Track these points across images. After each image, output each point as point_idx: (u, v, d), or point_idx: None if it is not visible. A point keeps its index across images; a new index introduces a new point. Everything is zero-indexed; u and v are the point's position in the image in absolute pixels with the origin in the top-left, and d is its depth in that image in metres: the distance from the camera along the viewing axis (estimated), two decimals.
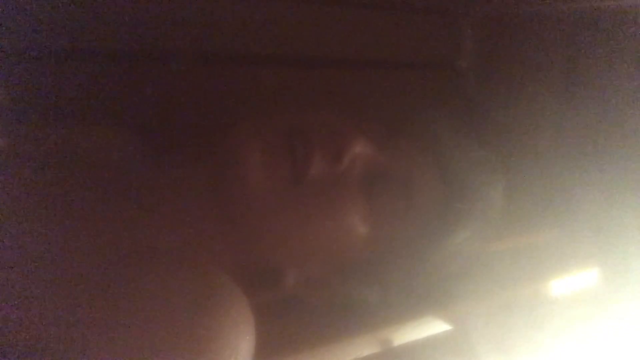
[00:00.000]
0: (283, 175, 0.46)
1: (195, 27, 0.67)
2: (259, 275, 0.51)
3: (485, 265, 0.62)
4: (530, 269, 0.68)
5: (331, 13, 0.78)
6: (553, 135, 0.78)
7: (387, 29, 0.83)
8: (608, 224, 0.71)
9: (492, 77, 0.89)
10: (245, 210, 0.47)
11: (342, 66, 0.81)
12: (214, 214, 0.48)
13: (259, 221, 0.47)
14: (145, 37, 0.65)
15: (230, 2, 0.70)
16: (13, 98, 0.57)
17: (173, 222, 0.47)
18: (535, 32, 0.83)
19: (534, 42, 0.83)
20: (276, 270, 0.51)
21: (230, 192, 0.47)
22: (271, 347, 0.47)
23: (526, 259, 0.69)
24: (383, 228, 0.50)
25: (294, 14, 0.75)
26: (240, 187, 0.46)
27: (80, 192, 0.46)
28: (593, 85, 0.76)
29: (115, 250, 0.42)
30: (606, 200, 0.71)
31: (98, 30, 0.62)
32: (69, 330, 0.36)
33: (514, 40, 0.86)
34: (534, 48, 0.83)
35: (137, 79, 0.66)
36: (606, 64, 0.74)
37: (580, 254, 0.72)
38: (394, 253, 0.52)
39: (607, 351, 0.63)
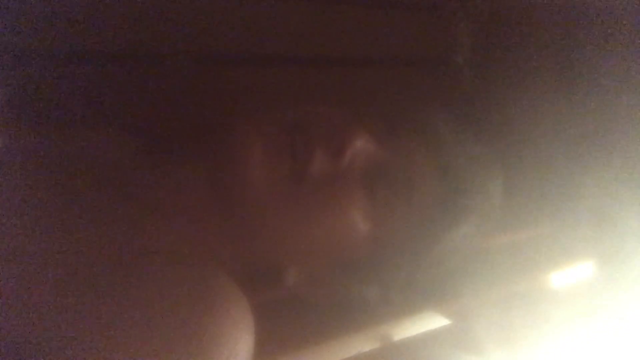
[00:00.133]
0: (284, 172, 0.46)
1: (196, 27, 0.67)
2: (259, 273, 0.51)
3: (484, 260, 0.62)
4: (529, 263, 0.68)
5: (329, 12, 0.78)
6: (551, 130, 0.78)
7: (385, 27, 0.83)
8: (607, 218, 0.71)
9: (490, 73, 0.89)
10: (246, 207, 0.47)
11: (341, 64, 0.81)
12: (215, 213, 0.48)
13: (259, 219, 0.47)
14: (146, 37, 0.65)
15: (230, 2, 0.70)
16: (13, 98, 0.57)
17: (173, 222, 0.47)
18: (532, 28, 0.83)
19: (531, 38, 0.83)
20: (277, 268, 0.51)
21: (231, 190, 0.47)
22: (271, 345, 0.47)
23: (525, 253, 0.69)
24: (383, 224, 0.50)
25: (293, 13, 0.75)
26: (241, 184, 0.47)
27: (80, 192, 0.46)
28: (590, 79, 0.76)
29: (114, 250, 0.42)
30: (605, 195, 0.71)
31: (98, 30, 0.62)
32: (68, 330, 0.36)
33: (511, 37, 0.86)
34: (531, 44, 0.83)
35: (137, 79, 0.66)
36: (603, 59, 0.74)
37: (579, 248, 0.72)
38: (394, 249, 0.52)
39: (606, 344, 0.63)
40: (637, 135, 0.70)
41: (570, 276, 0.71)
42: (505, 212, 0.60)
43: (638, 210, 0.68)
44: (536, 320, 0.62)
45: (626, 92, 0.71)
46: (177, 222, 0.47)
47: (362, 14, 0.81)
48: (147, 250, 0.43)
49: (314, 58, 0.78)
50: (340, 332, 0.55)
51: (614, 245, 0.70)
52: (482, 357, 0.59)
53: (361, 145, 0.49)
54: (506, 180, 0.56)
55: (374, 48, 0.83)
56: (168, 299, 0.39)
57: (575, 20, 0.78)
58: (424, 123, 0.55)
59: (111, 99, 0.63)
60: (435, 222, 0.52)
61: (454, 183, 0.52)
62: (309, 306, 0.54)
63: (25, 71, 0.59)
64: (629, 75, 0.71)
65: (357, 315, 0.55)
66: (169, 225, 0.47)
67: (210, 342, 0.38)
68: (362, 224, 0.49)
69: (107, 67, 0.64)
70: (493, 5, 0.88)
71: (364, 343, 0.56)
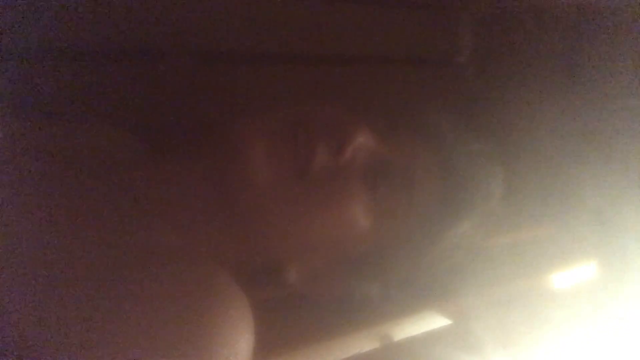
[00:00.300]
0: (285, 169, 0.46)
1: (198, 25, 0.67)
2: (260, 271, 0.51)
3: (485, 260, 0.62)
4: (530, 263, 0.68)
5: (332, 10, 0.78)
6: (553, 130, 0.77)
7: (388, 26, 0.83)
8: (607, 219, 0.71)
9: (492, 73, 0.89)
10: (248, 205, 0.47)
11: (343, 63, 0.81)
12: (216, 211, 0.48)
13: (261, 216, 0.47)
14: (148, 35, 0.65)
15: (235, 3, 0.70)
16: (13, 97, 0.57)
17: (174, 221, 0.47)
18: (534, 28, 0.83)
19: (533, 37, 0.83)
20: (278, 265, 0.51)
21: (233, 188, 0.47)
22: (272, 343, 0.47)
23: (526, 253, 0.69)
24: (385, 221, 0.50)
25: (296, 12, 0.75)
26: (242, 182, 0.47)
27: (81, 190, 0.46)
28: (592, 79, 0.76)
29: (114, 249, 0.42)
30: (606, 195, 0.71)
31: (98, 29, 0.62)
32: (68, 329, 0.36)
33: (513, 36, 0.86)
34: (533, 44, 0.83)
35: (139, 77, 0.66)
36: (606, 59, 0.74)
37: (580, 249, 0.72)
38: (395, 246, 0.52)
39: (606, 345, 0.63)
40: (637, 136, 0.70)
41: (570, 277, 0.71)
42: (506, 213, 0.60)
43: (638, 211, 0.68)
44: (536, 320, 0.62)
45: (627, 93, 0.71)
46: (178, 221, 0.47)
47: (365, 13, 0.81)
48: (147, 249, 0.43)
49: (316, 56, 0.78)
50: (340, 332, 0.55)
51: (615, 245, 0.70)
52: (483, 358, 0.59)
53: (362, 143, 0.49)
54: (507, 180, 0.56)
55: (377, 47, 0.83)
56: (168, 298, 0.39)
57: (578, 21, 0.78)
58: (426, 121, 0.56)
59: (112, 98, 0.63)
60: (436, 219, 0.52)
61: (455, 180, 0.52)
62: (309, 305, 0.54)
63: (25, 70, 0.59)
64: (630, 76, 0.71)
65: (357, 315, 0.55)
66: (170, 223, 0.47)
67: (210, 342, 0.38)
68: (363, 221, 0.49)
69: (108, 66, 0.64)
70: (496, 5, 0.88)
71: (364, 343, 0.56)
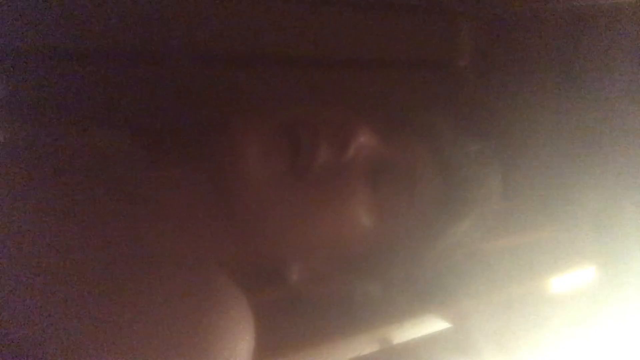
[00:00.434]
0: (286, 169, 0.47)
1: (198, 27, 0.68)
2: (261, 271, 0.51)
3: (485, 263, 0.62)
4: (530, 267, 0.68)
5: (333, 14, 0.78)
6: (552, 134, 0.78)
7: (389, 29, 0.84)
8: (607, 222, 0.71)
9: (491, 74, 0.89)
10: (248, 205, 0.47)
11: (345, 65, 0.81)
12: (217, 212, 0.48)
13: (261, 217, 0.47)
14: (147, 36, 0.65)
15: (236, 4, 0.70)
16: (13, 97, 0.57)
17: (174, 221, 0.47)
18: (533, 31, 0.84)
19: (532, 40, 0.83)
20: (279, 265, 0.51)
21: (233, 188, 0.47)
22: (272, 345, 0.47)
23: (526, 257, 0.69)
24: (386, 221, 0.51)
25: (297, 15, 0.75)
26: (242, 182, 0.47)
27: (80, 192, 0.46)
28: (591, 83, 0.76)
29: (114, 251, 0.42)
30: (606, 198, 0.71)
31: (98, 31, 0.62)
32: (67, 330, 0.36)
33: (512, 39, 0.86)
34: (533, 47, 0.83)
35: (138, 79, 0.66)
36: (605, 63, 0.74)
37: (579, 252, 0.72)
38: (395, 247, 0.52)
39: (606, 348, 0.63)
40: (637, 139, 0.70)
41: (570, 280, 0.71)
42: (505, 215, 0.60)
43: (638, 214, 0.68)
44: (536, 323, 0.62)
45: (627, 96, 0.71)
46: (178, 222, 0.47)
47: (366, 17, 0.81)
48: (148, 251, 0.43)
49: (318, 59, 0.78)
50: (339, 335, 0.54)
51: (614, 248, 0.70)
52: None
53: (363, 143, 0.49)
54: (506, 182, 0.57)
55: (377, 50, 0.83)
56: (168, 299, 0.39)
57: (577, 25, 0.78)
58: (426, 123, 0.56)
59: (111, 100, 0.63)
60: (436, 219, 0.52)
61: (455, 181, 0.52)
62: (309, 307, 0.54)
63: (25, 71, 0.59)
64: (630, 79, 0.71)
65: (356, 317, 0.55)
66: (169, 224, 0.47)
67: (211, 343, 0.38)
68: (364, 220, 0.49)
69: (107, 68, 0.64)
70: (496, 9, 0.88)
71: (363, 345, 0.56)
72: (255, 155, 0.46)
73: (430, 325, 0.60)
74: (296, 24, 0.75)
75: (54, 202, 0.43)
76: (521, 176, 0.68)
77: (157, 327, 0.37)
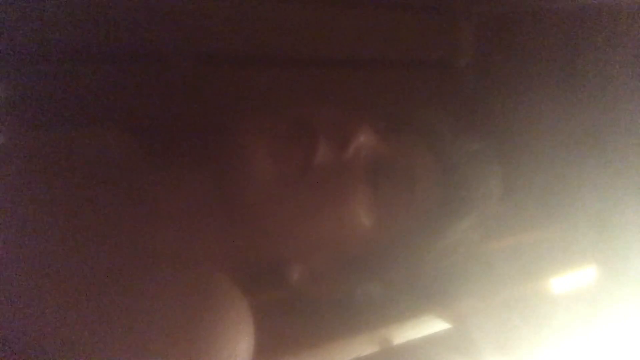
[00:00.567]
0: (286, 169, 0.47)
1: (201, 27, 0.68)
2: (262, 272, 0.51)
3: (485, 264, 0.62)
4: (530, 267, 0.68)
5: (333, 13, 0.78)
6: (552, 133, 0.78)
7: (389, 29, 0.84)
8: (608, 221, 0.71)
9: (491, 74, 0.89)
10: (250, 204, 0.47)
11: (345, 65, 0.81)
12: (217, 212, 0.48)
13: (263, 216, 0.47)
14: (149, 37, 0.65)
15: (236, 3, 0.70)
16: (14, 98, 0.57)
17: (175, 222, 0.47)
18: (534, 31, 0.84)
19: (532, 40, 0.83)
20: (279, 265, 0.51)
21: (234, 189, 0.47)
22: (272, 345, 0.47)
23: (526, 257, 0.69)
24: (386, 220, 0.51)
25: (297, 15, 0.75)
26: (244, 181, 0.47)
27: (81, 193, 0.46)
28: (592, 82, 0.76)
29: (115, 251, 0.42)
30: (606, 198, 0.71)
31: (101, 32, 0.62)
32: (68, 330, 0.36)
33: (513, 39, 0.86)
34: (533, 46, 0.83)
35: (140, 79, 0.66)
36: (605, 60, 0.74)
37: (580, 252, 0.72)
38: (396, 246, 0.52)
39: (607, 349, 0.63)
40: (638, 139, 0.70)
41: (570, 280, 0.71)
42: (506, 215, 0.60)
43: (638, 214, 0.68)
44: (536, 324, 0.62)
45: (628, 96, 0.71)
46: (180, 222, 0.47)
47: (367, 16, 0.81)
48: (149, 251, 0.43)
49: (318, 59, 0.78)
50: (339, 335, 0.54)
51: (615, 248, 0.70)
52: None
53: (364, 143, 0.49)
54: (506, 182, 0.56)
55: (378, 50, 0.83)
56: (169, 299, 0.39)
57: (577, 23, 0.78)
58: (427, 122, 0.56)
59: (113, 100, 0.63)
60: (436, 218, 0.52)
61: (455, 180, 0.53)
62: (309, 307, 0.54)
63: (26, 71, 0.59)
64: (630, 79, 0.71)
65: (356, 318, 0.55)
66: (171, 225, 0.47)
67: (210, 343, 0.38)
68: (364, 220, 0.49)
69: (109, 67, 0.64)
70: (496, 8, 0.88)
71: (363, 346, 0.56)
72: (256, 155, 0.46)
73: (430, 325, 0.60)
74: (296, 24, 0.75)
75: (54, 202, 0.43)
76: (521, 176, 0.68)
77: (157, 326, 0.37)
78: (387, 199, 0.50)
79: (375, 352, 0.56)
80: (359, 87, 0.81)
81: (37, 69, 0.60)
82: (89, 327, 0.36)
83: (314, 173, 0.47)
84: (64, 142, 0.51)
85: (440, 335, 0.60)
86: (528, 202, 0.75)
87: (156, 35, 0.65)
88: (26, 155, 0.48)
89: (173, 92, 0.67)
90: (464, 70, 0.90)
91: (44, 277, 0.38)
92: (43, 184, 0.45)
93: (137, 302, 0.38)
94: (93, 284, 0.38)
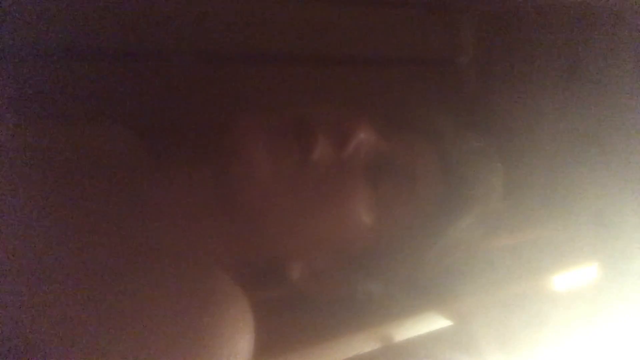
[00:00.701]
0: (286, 167, 0.47)
1: (202, 26, 0.67)
2: (262, 270, 0.51)
3: (486, 262, 0.62)
4: (531, 265, 0.68)
5: (334, 11, 0.78)
6: (554, 132, 0.77)
7: (390, 27, 0.83)
8: (609, 220, 0.71)
9: (492, 72, 0.89)
10: (250, 203, 0.47)
11: (345, 63, 0.81)
12: (217, 211, 0.48)
13: (263, 214, 0.47)
14: (149, 36, 0.65)
15: (236, 2, 0.70)
16: (14, 97, 0.57)
17: (175, 221, 0.47)
18: (535, 28, 0.83)
19: (534, 38, 0.83)
20: (280, 264, 0.51)
21: (234, 187, 0.47)
22: (272, 344, 0.47)
23: (527, 255, 0.69)
24: (386, 218, 0.51)
25: (297, 13, 0.75)
26: (244, 179, 0.47)
27: (82, 192, 0.46)
28: (594, 80, 0.76)
29: (115, 249, 0.42)
30: (607, 197, 0.71)
31: (99, 29, 0.62)
32: (68, 330, 0.36)
33: (514, 37, 0.86)
34: (535, 44, 0.83)
35: (140, 78, 0.66)
36: (606, 59, 0.74)
37: (581, 250, 0.72)
38: (396, 244, 0.52)
39: (607, 347, 0.63)
40: (638, 137, 0.70)
41: (571, 278, 0.71)
42: (506, 214, 0.60)
43: (639, 213, 0.68)
44: (537, 322, 0.62)
45: (630, 95, 0.71)
46: (180, 221, 0.47)
47: (367, 14, 0.81)
48: (148, 249, 0.43)
49: (318, 58, 0.78)
50: (340, 333, 0.54)
51: (615, 247, 0.70)
52: (483, 359, 0.59)
53: (364, 140, 0.49)
54: (507, 181, 0.56)
55: (379, 48, 0.83)
56: (168, 298, 0.39)
57: (578, 21, 0.78)
58: (427, 120, 0.56)
59: (113, 99, 0.63)
60: (437, 216, 0.52)
61: (456, 178, 0.52)
62: (310, 305, 0.54)
63: (26, 71, 0.59)
64: (630, 76, 0.71)
65: (357, 316, 0.55)
66: (170, 224, 0.47)
67: (210, 341, 0.38)
68: (364, 218, 0.49)
69: (109, 66, 0.64)
70: (498, 5, 0.88)
71: (364, 344, 0.56)
72: (256, 153, 0.46)
73: (431, 323, 0.60)
74: (296, 22, 0.75)
75: (54, 202, 0.43)
76: (522, 174, 0.68)
77: (157, 326, 0.37)
78: (387, 197, 0.50)
79: (376, 350, 0.56)
80: (359, 85, 0.81)
81: (37, 67, 0.60)
82: (88, 327, 0.36)
83: (314, 171, 0.47)
84: (64, 141, 0.51)
85: (441, 333, 0.60)
86: (529, 200, 0.74)
87: (156, 34, 0.65)
88: (26, 154, 0.48)
89: (173, 90, 0.67)
90: (465, 68, 0.90)
91: (43, 275, 0.38)
92: (43, 182, 0.45)
93: (137, 301, 0.38)
94: (92, 283, 0.38)
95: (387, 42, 0.83)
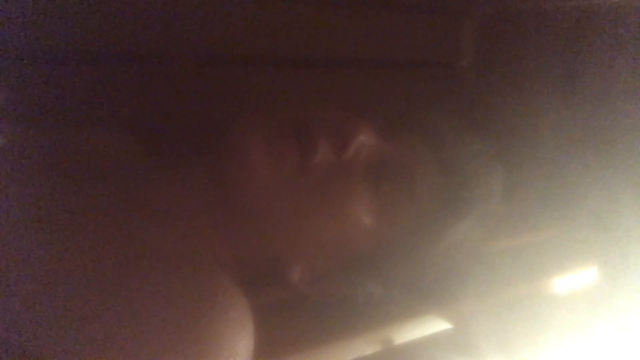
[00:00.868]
0: (287, 169, 0.47)
1: (202, 28, 0.68)
2: (262, 272, 0.51)
3: (486, 264, 0.62)
4: (531, 267, 0.68)
5: (335, 14, 0.78)
6: (554, 133, 0.78)
7: (390, 29, 0.84)
8: (609, 223, 0.71)
9: (493, 74, 0.89)
10: (250, 204, 0.47)
11: (346, 65, 0.81)
12: (217, 212, 0.48)
13: (263, 216, 0.47)
14: (149, 37, 0.65)
15: (237, 4, 0.70)
16: (14, 99, 0.57)
17: (175, 222, 0.47)
18: (535, 30, 0.83)
19: (533, 40, 0.83)
20: (280, 265, 0.51)
21: (235, 187, 0.47)
22: (273, 345, 0.47)
23: (527, 257, 0.69)
24: (387, 220, 0.51)
25: (298, 16, 0.75)
26: (245, 181, 0.47)
27: (81, 193, 0.46)
28: (593, 82, 0.76)
29: (114, 250, 0.42)
30: (607, 198, 0.71)
31: (100, 32, 0.62)
32: (67, 330, 0.36)
33: (514, 39, 0.86)
34: (534, 46, 0.83)
35: (139, 79, 0.66)
36: (606, 63, 0.74)
37: (581, 252, 0.72)
38: (397, 246, 0.52)
39: (607, 349, 0.63)
40: (638, 138, 0.70)
41: (571, 281, 0.71)
42: (507, 216, 0.60)
43: (639, 214, 0.68)
44: (537, 324, 0.62)
45: (629, 96, 0.71)
46: (180, 223, 0.47)
47: (367, 17, 0.81)
48: (148, 250, 0.43)
49: (318, 60, 0.78)
50: (340, 335, 0.54)
51: (616, 249, 0.69)
52: None
53: (365, 142, 0.49)
54: (507, 183, 0.56)
55: (379, 50, 0.83)
56: (168, 299, 0.39)
57: (579, 23, 0.78)
58: (428, 122, 0.56)
59: (113, 100, 0.63)
60: (437, 218, 0.52)
61: (456, 180, 0.53)
62: (310, 307, 0.54)
63: (25, 71, 0.59)
64: (630, 77, 0.71)
65: (357, 318, 0.55)
66: (170, 225, 0.47)
67: (211, 343, 0.38)
68: (365, 219, 0.49)
69: (108, 68, 0.64)
70: (497, 8, 0.88)
71: (364, 346, 0.56)
72: (256, 155, 0.46)
73: (432, 325, 0.60)
74: (297, 24, 0.75)
75: (54, 203, 0.43)
76: (522, 176, 0.68)
77: (157, 327, 0.37)
78: (387, 199, 0.50)
79: (376, 352, 0.56)
80: (359, 87, 0.81)
81: (36, 69, 0.60)
82: (88, 327, 0.36)
83: (314, 173, 0.47)
84: (64, 142, 0.51)
85: (441, 336, 0.60)
86: (529, 202, 0.75)
87: (156, 36, 0.65)
88: (26, 156, 0.48)
89: (173, 92, 0.67)
90: (465, 70, 0.90)
91: (43, 277, 0.38)
92: (43, 184, 0.45)
93: (137, 302, 0.38)
94: (92, 284, 0.38)
95: (387, 45, 0.84)
